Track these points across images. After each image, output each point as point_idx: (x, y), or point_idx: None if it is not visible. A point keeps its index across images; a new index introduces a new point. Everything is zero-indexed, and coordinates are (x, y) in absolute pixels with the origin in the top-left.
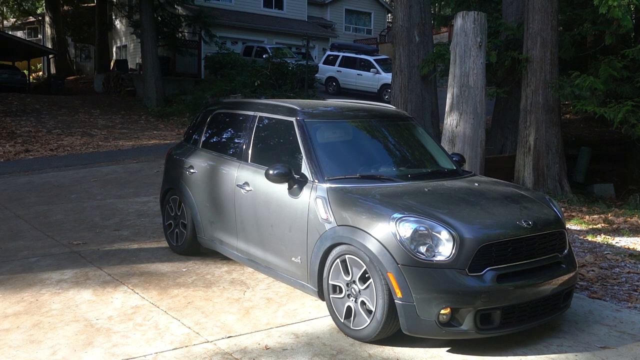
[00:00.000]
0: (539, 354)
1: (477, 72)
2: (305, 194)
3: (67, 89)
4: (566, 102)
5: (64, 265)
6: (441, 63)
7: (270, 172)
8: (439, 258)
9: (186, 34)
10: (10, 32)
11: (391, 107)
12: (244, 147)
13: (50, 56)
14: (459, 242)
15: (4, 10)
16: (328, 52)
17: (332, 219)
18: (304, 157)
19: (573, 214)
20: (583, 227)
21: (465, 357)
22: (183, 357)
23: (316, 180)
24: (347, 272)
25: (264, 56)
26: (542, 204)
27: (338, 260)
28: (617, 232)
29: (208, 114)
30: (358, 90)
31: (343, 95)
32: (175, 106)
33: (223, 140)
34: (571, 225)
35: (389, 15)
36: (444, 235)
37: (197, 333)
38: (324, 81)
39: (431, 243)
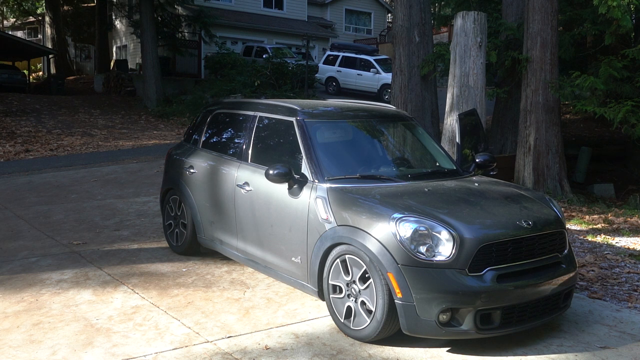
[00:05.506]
0: (539, 354)
1: (477, 72)
2: (305, 194)
3: (67, 89)
4: (566, 102)
5: (64, 265)
6: (441, 63)
7: (270, 172)
8: (439, 258)
9: (186, 34)
10: (10, 32)
11: (391, 107)
12: (244, 147)
13: (50, 56)
14: (459, 242)
15: (4, 10)
16: (328, 52)
17: (332, 219)
18: (304, 157)
19: (573, 214)
20: (583, 227)
21: (465, 357)
22: (183, 357)
23: (316, 180)
24: (347, 272)
25: (264, 56)
26: (542, 204)
27: (338, 260)
28: (617, 232)
29: (208, 114)
30: (358, 90)
31: (343, 95)
32: (175, 106)
33: (223, 140)
34: (571, 225)
35: (389, 15)
36: (444, 235)
37: (197, 333)
38: (324, 81)
39: (431, 243)
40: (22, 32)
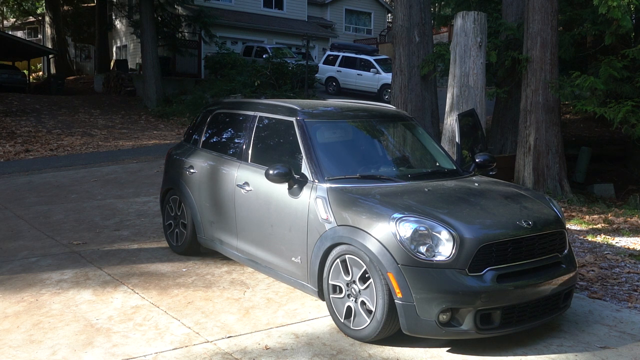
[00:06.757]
0: (539, 354)
1: (477, 72)
2: (305, 194)
3: (67, 89)
4: (566, 102)
5: (64, 265)
6: (441, 63)
7: (270, 172)
8: (439, 258)
9: (186, 34)
10: (10, 32)
11: (391, 107)
12: (244, 147)
13: (50, 56)
14: (459, 242)
15: (4, 10)
16: (328, 52)
17: (332, 219)
18: (304, 157)
19: (573, 214)
20: (583, 227)
21: (465, 357)
22: (183, 357)
23: (316, 180)
24: (347, 272)
25: (264, 56)
26: (542, 204)
27: (338, 260)
28: (617, 232)
29: (208, 114)
30: (358, 90)
31: (343, 95)
32: (175, 106)
33: (223, 140)
34: (571, 225)
35: (389, 15)
36: (444, 235)
37: (197, 333)
38: (324, 81)
39: (431, 243)
40: (22, 32)
